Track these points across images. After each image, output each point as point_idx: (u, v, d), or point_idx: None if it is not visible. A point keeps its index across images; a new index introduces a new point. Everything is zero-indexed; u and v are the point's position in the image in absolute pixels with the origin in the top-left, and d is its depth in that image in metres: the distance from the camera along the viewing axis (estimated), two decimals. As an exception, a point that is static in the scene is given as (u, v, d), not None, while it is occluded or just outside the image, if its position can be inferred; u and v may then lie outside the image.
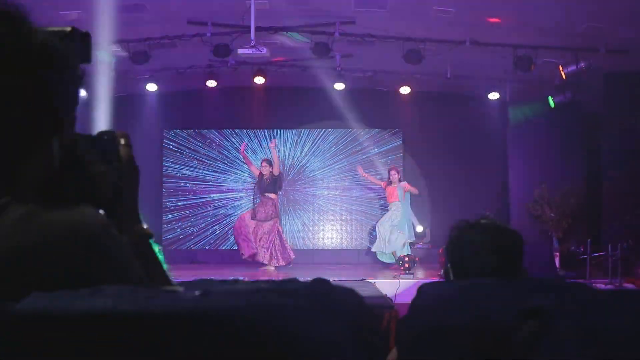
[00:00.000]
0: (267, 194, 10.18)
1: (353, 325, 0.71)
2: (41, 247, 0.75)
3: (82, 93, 0.92)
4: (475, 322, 1.55)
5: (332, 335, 0.68)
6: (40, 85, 0.83)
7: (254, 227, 10.08)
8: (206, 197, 12.23)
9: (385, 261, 10.46)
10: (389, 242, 10.33)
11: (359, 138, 12.29)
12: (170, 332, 0.65)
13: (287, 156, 12.32)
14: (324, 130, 12.34)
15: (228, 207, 12.19)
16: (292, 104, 11.93)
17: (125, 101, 11.65)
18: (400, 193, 10.49)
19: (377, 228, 10.72)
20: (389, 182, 10.73)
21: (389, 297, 6.05)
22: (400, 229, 10.41)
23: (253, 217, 10.22)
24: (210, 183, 12.25)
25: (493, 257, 1.92)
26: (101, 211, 0.91)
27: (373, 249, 10.74)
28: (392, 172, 10.73)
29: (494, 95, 11.43)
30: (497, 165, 11.95)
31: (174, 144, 12.29)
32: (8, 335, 0.68)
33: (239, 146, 11.99)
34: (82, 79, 0.90)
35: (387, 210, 10.78)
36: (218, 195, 12.24)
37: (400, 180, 10.64)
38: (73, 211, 0.80)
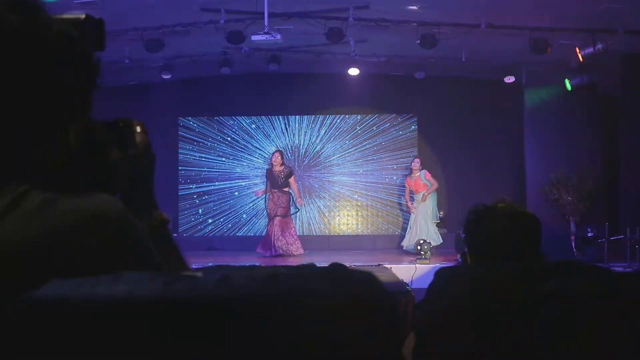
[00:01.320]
0: (284, 189, 9.96)
1: (371, 310, 0.71)
2: (61, 235, 0.76)
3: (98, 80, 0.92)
4: (493, 305, 1.55)
5: (351, 321, 0.68)
6: (55, 74, 0.83)
7: (277, 225, 9.75)
8: (221, 184, 12.28)
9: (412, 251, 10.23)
10: (426, 235, 10.10)
11: (375, 124, 12.26)
12: (190, 317, 0.65)
13: (302, 142, 12.32)
14: (339, 116, 12.32)
15: (243, 194, 12.23)
16: (306, 90, 11.90)
17: (140, 89, 11.70)
18: (423, 179, 10.44)
19: (412, 224, 10.48)
20: (410, 174, 10.71)
21: (405, 282, 6.05)
22: (433, 218, 10.37)
23: (274, 215, 9.84)
24: (225, 170, 12.29)
25: (510, 240, 1.91)
26: (118, 198, 0.91)
27: (406, 247, 10.45)
28: (416, 160, 10.73)
29: (510, 79, 11.34)
30: (514, 149, 11.87)
31: (188, 131, 12.33)
32: (28, 322, 0.68)
33: (254, 133, 12.00)
34: (97, 66, 0.91)
35: (412, 202, 10.67)
36: (232, 182, 12.29)
37: (420, 169, 10.64)
38: (91, 198, 0.80)
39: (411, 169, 10.74)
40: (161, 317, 0.66)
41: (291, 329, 0.65)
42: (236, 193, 12.24)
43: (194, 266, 1.01)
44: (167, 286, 0.68)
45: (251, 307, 0.65)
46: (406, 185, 10.79)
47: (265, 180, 10.32)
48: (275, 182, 9.95)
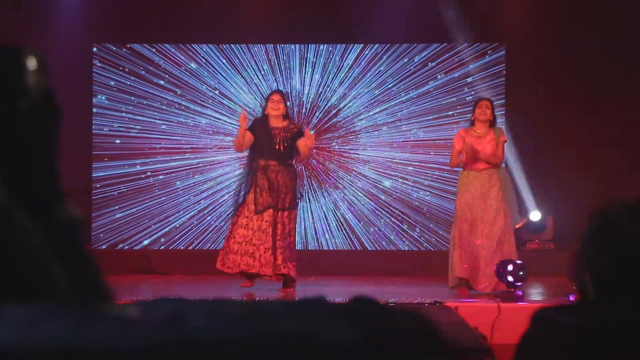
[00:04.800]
0: (287, 161, 9.29)
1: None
2: None
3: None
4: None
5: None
6: None
7: (265, 226, 9.24)
8: (169, 162, 12.29)
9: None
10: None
11: (433, 58, 12.22)
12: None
13: (306, 89, 12.27)
14: (370, 45, 12.28)
15: (206, 177, 12.25)
16: (315, 2, 11.89)
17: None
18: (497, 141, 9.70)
19: (462, 231, 10.00)
20: (471, 124, 9.65)
21: (481, 334, 6.07)
22: (513, 220, 10.01)
23: (262, 207, 9.18)
24: (174, 137, 12.29)
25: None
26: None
27: (451, 284, 10.13)
28: (484, 103, 9.47)
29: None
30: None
31: (108, 68, 12.31)
32: None
33: (225, 77, 11.99)
34: None
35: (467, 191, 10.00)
36: (189, 157, 12.29)
37: (493, 123, 9.63)
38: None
39: (473, 119, 9.69)
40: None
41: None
42: (193, 175, 12.25)
43: (123, 299, 1.02)
44: (79, 331, 0.69)
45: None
46: (454, 144, 9.70)
47: (252, 144, 9.57)
48: (272, 146, 9.33)
